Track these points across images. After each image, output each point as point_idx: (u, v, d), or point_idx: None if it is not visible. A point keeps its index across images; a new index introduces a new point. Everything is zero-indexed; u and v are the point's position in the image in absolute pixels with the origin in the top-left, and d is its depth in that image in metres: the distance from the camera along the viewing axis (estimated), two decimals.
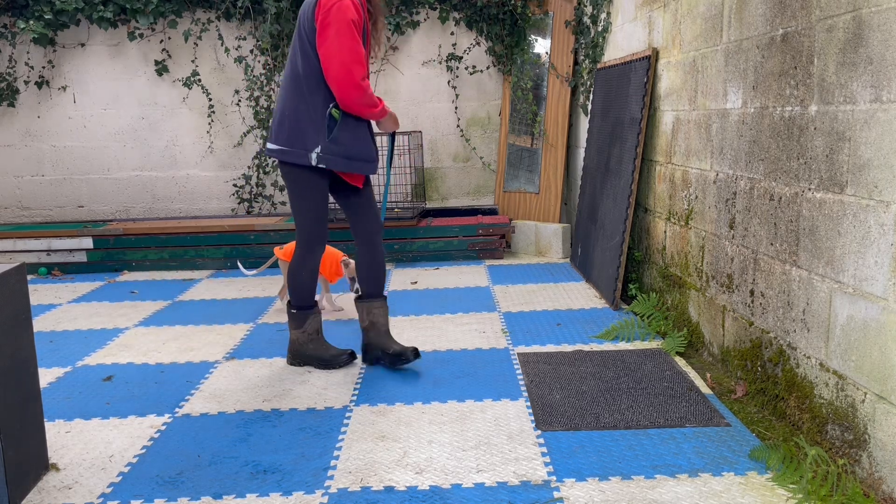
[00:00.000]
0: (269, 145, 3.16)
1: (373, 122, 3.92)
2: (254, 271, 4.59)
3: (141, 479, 2.41)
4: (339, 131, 3.07)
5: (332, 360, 3.37)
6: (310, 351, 3.39)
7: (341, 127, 3.07)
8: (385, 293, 3.40)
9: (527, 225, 5.87)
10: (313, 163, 3.06)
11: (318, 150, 3.06)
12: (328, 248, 4.11)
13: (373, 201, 3.33)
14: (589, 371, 3.24)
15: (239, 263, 4.82)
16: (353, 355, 3.43)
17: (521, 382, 3.15)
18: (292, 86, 3.09)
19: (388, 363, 3.33)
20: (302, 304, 3.35)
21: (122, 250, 5.68)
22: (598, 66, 5.11)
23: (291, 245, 4.19)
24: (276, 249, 4.24)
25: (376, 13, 3.19)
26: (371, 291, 3.37)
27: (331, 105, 3.05)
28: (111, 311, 4.53)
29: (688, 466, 2.39)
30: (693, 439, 2.58)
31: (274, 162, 6.40)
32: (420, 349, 3.62)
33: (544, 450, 2.53)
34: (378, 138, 6.26)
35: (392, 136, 3.42)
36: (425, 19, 6.30)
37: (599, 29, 5.20)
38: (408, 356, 3.28)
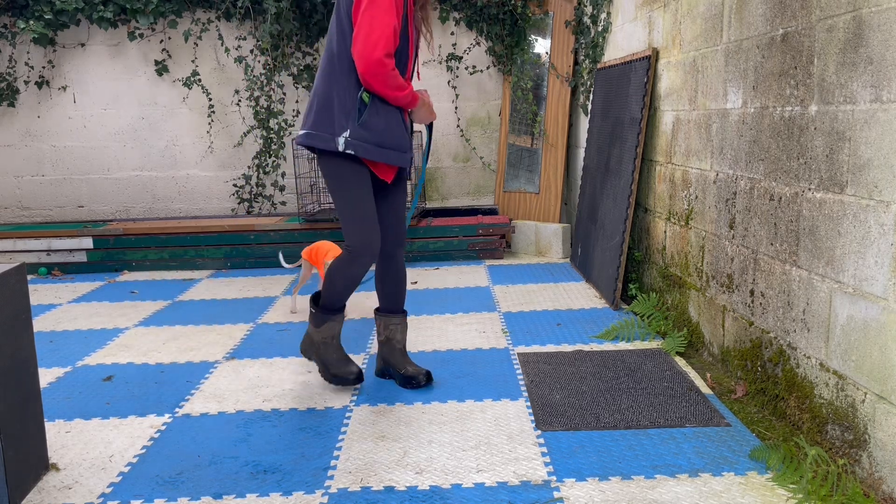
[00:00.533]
0: (299, 132, 2.96)
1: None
2: (291, 265, 4.58)
3: (141, 479, 2.42)
4: (368, 115, 2.82)
5: (334, 377, 3.14)
6: (320, 352, 3.18)
7: (371, 111, 2.83)
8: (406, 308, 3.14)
9: (527, 225, 5.87)
10: (340, 147, 2.81)
11: (346, 134, 2.81)
12: (329, 244, 4.07)
13: (402, 205, 3.10)
14: (589, 371, 3.24)
15: (280, 255, 4.81)
16: (359, 378, 3.12)
17: (521, 382, 3.15)
18: (326, 67, 2.90)
19: (399, 383, 3.16)
20: (326, 305, 3.13)
21: (122, 250, 5.68)
22: (598, 66, 5.11)
23: (315, 245, 4.14)
24: (305, 250, 4.20)
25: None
26: (389, 306, 3.18)
27: (363, 88, 2.83)
28: (111, 311, 4.53)
29: (688, 466, 2.39)
30: (693, 439, 2.58)
31: (274, 161, 6.39)
32: (420, 349, 3.62)
33: (544, 450, 2.53)
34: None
35: (430, 127, 3.18)
36: None
37: (599, 29, 5.19)
38: (419, 381, 3.10)
